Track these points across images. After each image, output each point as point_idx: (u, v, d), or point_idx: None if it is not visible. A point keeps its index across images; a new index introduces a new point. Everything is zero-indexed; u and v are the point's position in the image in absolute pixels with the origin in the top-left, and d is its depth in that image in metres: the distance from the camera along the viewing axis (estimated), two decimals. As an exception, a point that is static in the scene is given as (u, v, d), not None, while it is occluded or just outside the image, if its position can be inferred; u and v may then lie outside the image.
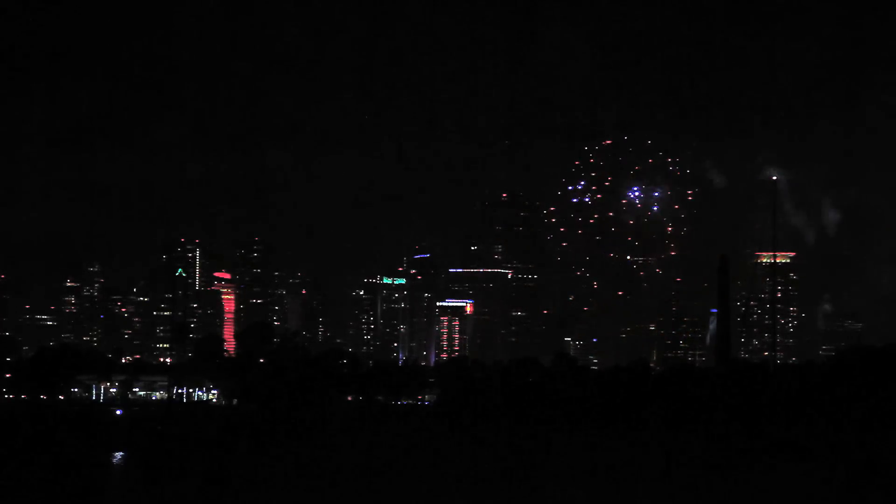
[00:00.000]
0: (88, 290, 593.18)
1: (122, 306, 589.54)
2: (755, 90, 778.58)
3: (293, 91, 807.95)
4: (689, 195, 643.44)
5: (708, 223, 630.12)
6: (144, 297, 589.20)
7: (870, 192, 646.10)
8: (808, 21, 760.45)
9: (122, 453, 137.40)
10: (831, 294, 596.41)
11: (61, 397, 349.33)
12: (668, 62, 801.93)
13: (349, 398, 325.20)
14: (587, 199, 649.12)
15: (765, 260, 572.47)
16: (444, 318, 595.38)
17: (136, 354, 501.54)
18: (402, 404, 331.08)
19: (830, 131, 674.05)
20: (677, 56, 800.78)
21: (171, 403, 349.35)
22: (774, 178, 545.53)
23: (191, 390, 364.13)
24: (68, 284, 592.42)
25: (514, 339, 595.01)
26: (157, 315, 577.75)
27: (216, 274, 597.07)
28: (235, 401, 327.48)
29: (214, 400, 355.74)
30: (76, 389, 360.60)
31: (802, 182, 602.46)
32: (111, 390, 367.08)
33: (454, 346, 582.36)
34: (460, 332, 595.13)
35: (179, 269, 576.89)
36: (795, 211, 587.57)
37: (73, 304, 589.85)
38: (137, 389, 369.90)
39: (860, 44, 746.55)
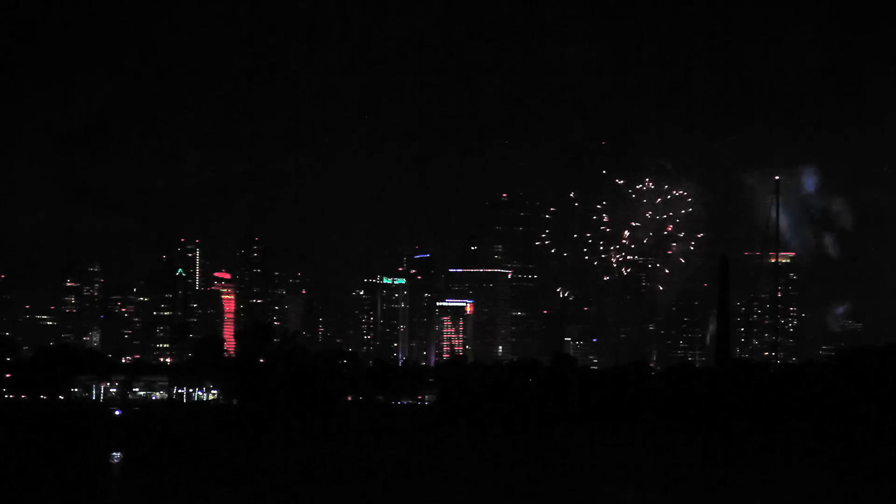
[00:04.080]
0: (88, 290, 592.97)
1: (122, 306, 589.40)
2: (761, 89, 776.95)
3: (293, 91, 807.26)
4: (691, 194, 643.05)
5: (709, 223, 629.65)
6: (144, 297, 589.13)
7: (883, 190, 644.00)
8: (813, 17, 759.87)
9: (120, 453, 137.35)
10: (837, 294, 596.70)
11: (61, 397, 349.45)
12: (671, 62, 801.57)
13: (349, 398, 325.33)
14: (587, 199, 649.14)
15: (763, 260, 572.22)
16: (444, 318, 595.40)
17: (136, 354, 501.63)
18: (402, 404, 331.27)
19: (839, 132, 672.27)
20: (680, 56, 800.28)
21: (172, 403, 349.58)
22: (777, 177, 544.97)
23: (191, 390, 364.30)
24: (68, 284, 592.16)
25: (514, 339, 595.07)
26: (157, 315, 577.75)
27: (216, 274, 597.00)
28: (235, 401, 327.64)
29: (214, 398, 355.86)
30: (76, 389, 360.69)
31: (807, 182, 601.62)
32: (111, 390, 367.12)
33: (454, 346, 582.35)
34: (460, 331, 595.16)
35: (179, 269, 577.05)
36: (800, 210, 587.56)
37: (73, 304, 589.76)
38: (137, 389, 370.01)
39: (867, 39, 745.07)
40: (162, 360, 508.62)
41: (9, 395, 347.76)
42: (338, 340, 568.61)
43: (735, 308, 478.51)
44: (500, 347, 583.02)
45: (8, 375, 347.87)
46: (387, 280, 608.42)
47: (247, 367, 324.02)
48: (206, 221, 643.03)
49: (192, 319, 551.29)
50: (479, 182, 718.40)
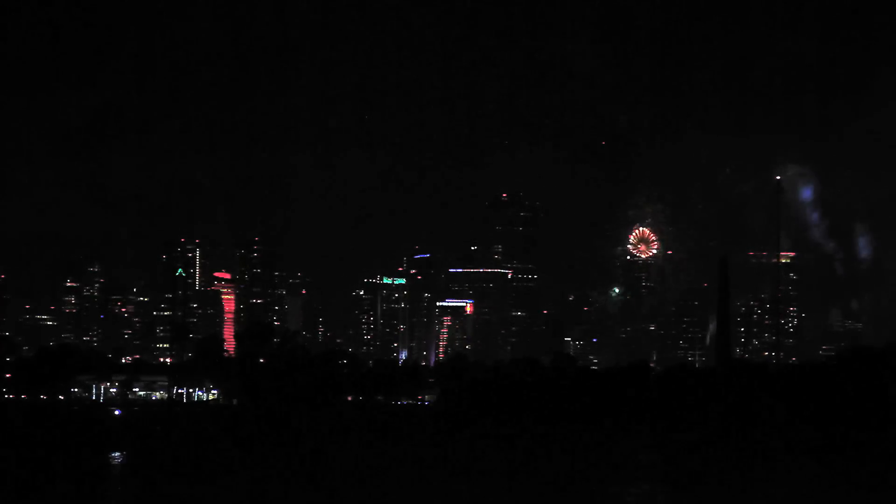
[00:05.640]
0: (88, 290, 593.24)
1: (122, 306, 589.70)
2: (766, 89, 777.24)
3: (294, 92, 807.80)
4: (691, 194, 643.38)
5: (710, 223, 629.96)
6: (144, 297, 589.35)
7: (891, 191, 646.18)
8: (820, 17, 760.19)
9: (120, 454, 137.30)
10: (839, 295, 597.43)
11: (61, 397, 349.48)
12: (673, 62, 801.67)
13: (349, 398, 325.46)
14: (587, 199, 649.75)
15: (766, 261, 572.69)
16: (444, 318, 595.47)
17: (136, 354, 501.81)
18: (402, 404, 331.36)
19: (846, 132, 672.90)
20: (683, 56, 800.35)
21: (172, 403, 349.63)
22: (778, 177, 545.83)
23: (191, 390, 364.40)
24: (68, 284, 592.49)
25: (514, 339, 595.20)
26: (157, 315, 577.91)
27: (216, 274, 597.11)
28: (235, 401, 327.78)
29: (214, 398, 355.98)
30: (76, 389, 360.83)
31: (813, 182, 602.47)
32: (111, 390, 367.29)
33: (454, 346, 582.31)
34: (460, 332, 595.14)
35: (179, 269, 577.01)
36: (806, 210, 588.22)
37: (73, 304, 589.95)
38: (137, 389, 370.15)
39: (873, 40, 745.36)
40: (162, 360, 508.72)
41: (9, 394, 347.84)
42: (338, 340, 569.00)
43: (735, 308, 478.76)
44: (500, 347, 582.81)
45: (8, 375, 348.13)
46: (387, 280, 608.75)
47: (247, 367, 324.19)
48: (207, 221, 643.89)
49: (192, 319, 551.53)
50: (478, 182, 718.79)
